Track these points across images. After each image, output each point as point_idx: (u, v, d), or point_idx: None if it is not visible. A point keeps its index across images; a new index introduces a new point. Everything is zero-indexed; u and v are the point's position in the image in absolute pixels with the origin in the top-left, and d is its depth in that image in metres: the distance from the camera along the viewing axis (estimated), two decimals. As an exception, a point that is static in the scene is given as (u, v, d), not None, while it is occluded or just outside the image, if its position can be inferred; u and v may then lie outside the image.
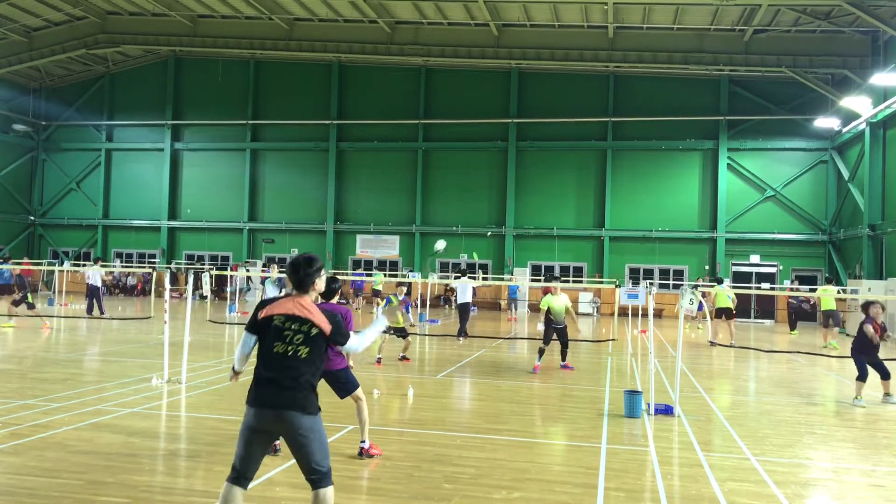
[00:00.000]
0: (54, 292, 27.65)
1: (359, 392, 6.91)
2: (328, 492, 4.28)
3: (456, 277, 19.52)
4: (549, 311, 13.00)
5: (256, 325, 4.40)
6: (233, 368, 4.89)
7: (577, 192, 32.80)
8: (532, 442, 7.69)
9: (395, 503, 5.54)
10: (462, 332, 18.02)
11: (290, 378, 4.19)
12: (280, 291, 15.50)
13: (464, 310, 18.50)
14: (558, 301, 12.90)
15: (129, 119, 37.20)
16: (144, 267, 33.92)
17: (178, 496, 5.52)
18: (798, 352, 17.86)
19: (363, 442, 6.80)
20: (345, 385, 6.87)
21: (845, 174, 28.71)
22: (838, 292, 21.35)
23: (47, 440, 6.97)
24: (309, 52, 32.26)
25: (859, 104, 24.73)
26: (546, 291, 13.59)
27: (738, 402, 10.69)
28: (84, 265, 26.99)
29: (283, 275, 20.76)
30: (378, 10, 28.83)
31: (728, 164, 31.10)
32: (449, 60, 31.63)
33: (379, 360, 13.10)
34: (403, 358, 13.72)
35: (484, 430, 8.05)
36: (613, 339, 19.27)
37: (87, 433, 7.33)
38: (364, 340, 4.66)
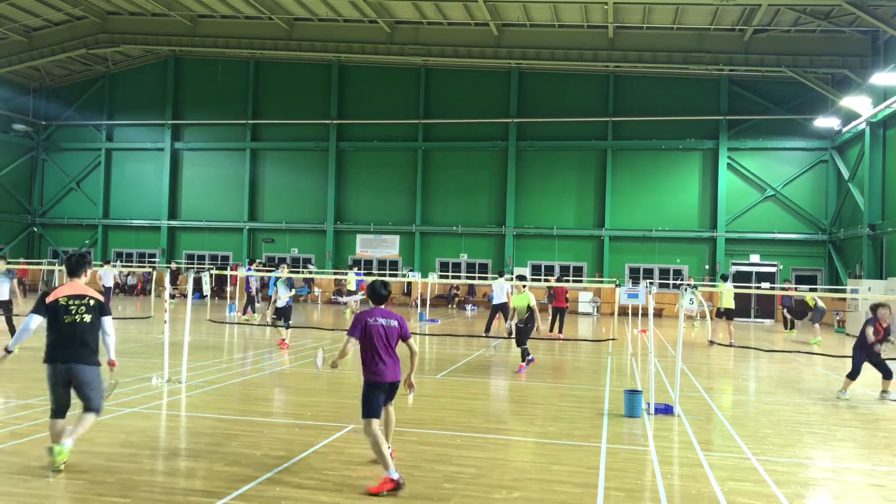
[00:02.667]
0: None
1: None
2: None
3: (494, 278, 19.59)
4: (515, 311, 13.06)
5: None
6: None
7: (577, 191, 32.80)
8: (532, 442, 7.69)
9: (396, 503, 5.54)
10: (509, 331, 17.73)
11: None
12: (290, 290, 15.58)
13: (502, 309, 18.56)
14: (520, 299, 12.88)
15: (129, 119, 37.20)
16: (144, 267, 33.92)
17: (178, 496, 5.52)
18: (798, 351, 17.87)
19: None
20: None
21: (845, 174, 28.71)
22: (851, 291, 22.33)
23: (47, 440, 6.97)
24: (309, 52, 32.25)
25: (859, 104, 24.72)
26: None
27: (738, 401, 10.69)
28: (101, 265, 27.03)
29: (293, 275, 20.81)
30: (378, 10, 28.83)
31: (728, 163, 31.10)
32: (449, 60, 31.63)
33: None
34: None
35: (484, 430, 8.04)
36: (613, 339, 19.27)
37: (87, 433, 7.32)
38: None
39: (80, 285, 6.11)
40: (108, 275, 22.10)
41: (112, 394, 6.70)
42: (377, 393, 6.04)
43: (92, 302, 6.01)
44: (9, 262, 20.98)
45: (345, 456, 6.77)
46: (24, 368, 11.45)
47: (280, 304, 15.26)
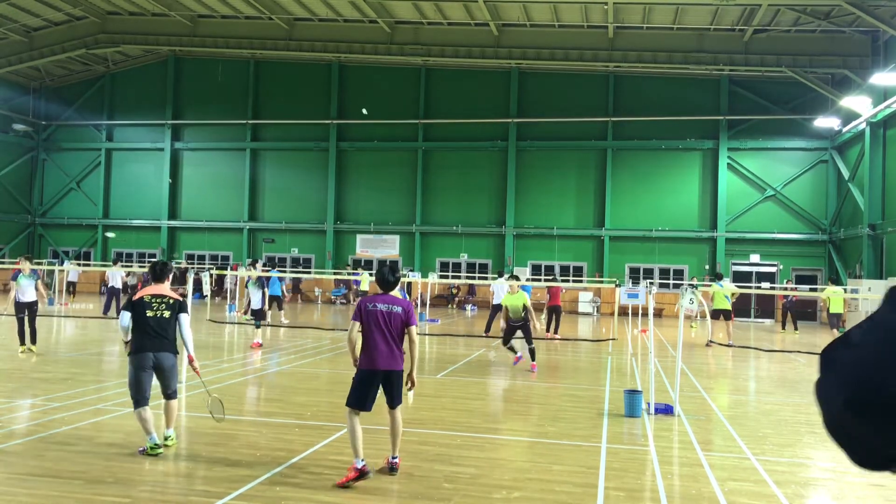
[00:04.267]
0: (54, 292, 27.66)
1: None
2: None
3: (494, 278, 19.66)
4: (507, 310, 13.01)
5: None
6: None
7: (577, 191, 32.79)
8: (532, 442, 7.69)
9: (396, 503, 5.54)
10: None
11: None
12: (261, 291, 15.70)
13: (503, 309, 18.56)
14: (514, 299, 12.86)
15: (129, 119, 37.20)
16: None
17: (178, 496, 5.52)
18: (798, 351, 17.86)
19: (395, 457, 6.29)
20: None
21: (845, 174, 28.71)
22: (844, 291, 20.99)
23: (47, 440, 6.97)
24: (309, 52, 32.26)
25: (859, 104, 24.72)
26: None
27: (738, 401, 10.69)
28: (108, 265, 27.21)
29: (282, 275, 20.76)
30: (378, 10, 28.83)
31: (728, 163, 31.10)
32: (449, 60, 31.63)
33: None
34: None
35: (484, 430, 8.04)
36: (613, 339, 19.27)
37: (87, 433, 7.33)
38: None
39: (162, 287, 6.99)
40: (116, 275, 22.20)
41: (222, 415, 7.24)
42: (367, 382, 5.92)
43: (171, 301, 6.85)
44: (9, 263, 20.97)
45: (345, 456, 6.76)
46: (24, 368, 11.46)
47: (254, 305, 15.26)
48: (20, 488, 5.58)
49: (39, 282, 14.10)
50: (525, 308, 12.83)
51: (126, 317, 6.73)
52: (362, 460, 5.77)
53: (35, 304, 13.54)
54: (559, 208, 32.76)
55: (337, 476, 6.08)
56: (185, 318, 6.90)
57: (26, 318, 13.33)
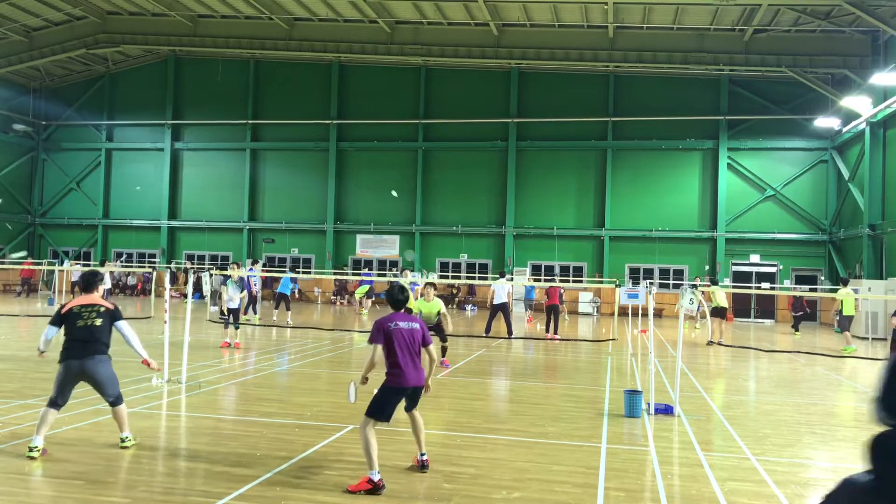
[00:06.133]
0: (54, 292, 27.66)
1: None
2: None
3: (494, 279, 19.73)
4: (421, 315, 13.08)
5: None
6: None
7: (577, 191, 32.80)
8: (532, 442, 7.68)
9: (396, 503, 5.54)
10: (510, 332, 18.83)
11: None
12: (241, 291, 15.60)
13: (503, 309, 18.78)
14: (428, 306, 12.85)
15: (129, 119, 37.21)
16: (144, 267, 33.92)
17: (178, 496, 5.52)
18: (798, 351, 17.86)
19: (423, 454, 6.45)
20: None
21: (845, 174, 28.71)
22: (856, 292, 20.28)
23: (47, 440, 6.96)
24: (309, 52, 32.26)
25: (859, 104, 24.72)
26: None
27: (738, 401, 10.69)
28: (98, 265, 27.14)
29: (284, 275, 20.74)
30: (378, 10, 28.83)
31: (728, 163, 31.10)
32: (449, 60, 31.63)
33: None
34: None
35: (484, 430, 8.04)
36: (613, 339, 19.28)
37: (87, 433, 7.33)
38: None
39: (93, 297, 6.95)
40: (104, 276, 21.96)
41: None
42: (395, 398, 5.99)
43: (102, 309, 6.84)
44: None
45: (345, 456, 6.77)
46: (24, 368, 11.46)
47: (231, 305, 15.14)
48: (20, 488, 5.58)
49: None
50: (439, 314, 12.91)
51: (52, 331, 6.77)
52: (378, 473, 5.66)
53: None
54: (559, 208, 32.76)
55: (337, 476, 6.09)
56: (122, 324, 6.91)
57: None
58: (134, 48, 34.73)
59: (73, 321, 6.72)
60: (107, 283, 22.06)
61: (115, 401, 6.77)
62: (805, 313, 24.92)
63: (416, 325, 6.16)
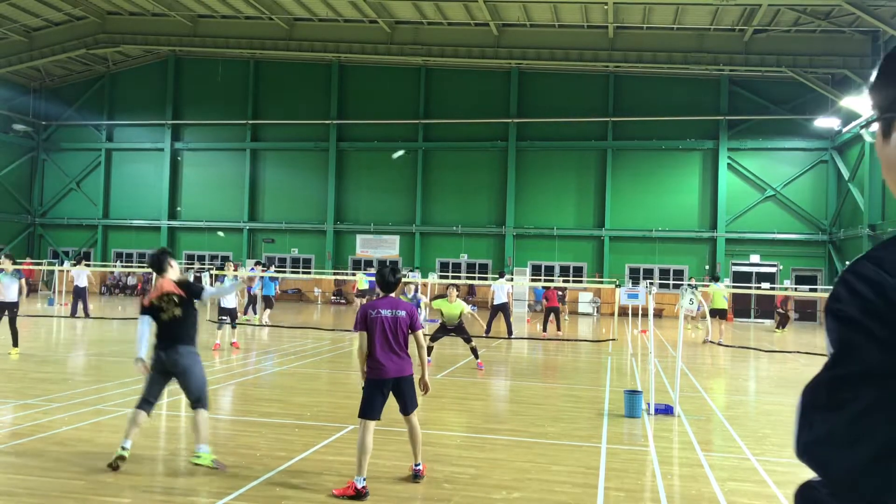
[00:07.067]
0: (54, 292, 27.65)
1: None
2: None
3: (494, 278, 19.84)
4: (443, 315, 13.10)
5: None
6: None
7: (577, 191, 32.80)
8: (532, 442, 7.68)
9: (395, 503, 5.54)
10: (510, 332, 18.90)
11: None
12: (235, 291, 15.60)
13: (503, 310, 18.86)
14: (451, 307, 12.83)
15: (129, 119, 37.21)
16: (144, 267, 33.88)
17: (177, 496, 5.52)
18: (798, 351, 17.86)
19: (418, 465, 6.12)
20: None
21: (845, 174, 28.72)
22: None
23: (47, 440, 6.97)
24: (309, 52, 32.26)
25: (859, 104, 24.73)
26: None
27: (738, 401, 10.69)
28: (74, 264, 27.00)
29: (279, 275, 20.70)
30: (378, 10, 28.83)
31: (728, 163, 31.11)
32: (449, 60, 31.63)
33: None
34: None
35: (484, 430, 8.04)
36: (613, 339, 19.28)
37: (87, 433, 7.32)
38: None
39: (166, 283, 6.49)
40: (82, 274, 21.45)
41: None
42: (376, 391, 5.76)
43: (177, 298, 6.43)
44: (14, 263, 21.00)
45: (345, 456, 6.76)
46: (25, 368, 11.45)
47: (227, 304, 15.07)
48: (20, 488, 5.57)
49: (23, 281, 13.68)
50: (462, 315, 12.89)
51: (145, 322, 6.39)
52: (364, 479, 5.49)
53: (16, 305, 13.00)
54: (559, 208, 32.76)
55: (336, 477, 6.08)
56: (206, 294, 6.82)
57: (7, 320, 12.79)
58: (134, 48, 34.73)
59: (157, 315, 6.33)
60: (82, 282, 21.53)
61: (198, 402, 6.19)
62: (782, 314, 24.95)
63: (402, 312, 5.79)
